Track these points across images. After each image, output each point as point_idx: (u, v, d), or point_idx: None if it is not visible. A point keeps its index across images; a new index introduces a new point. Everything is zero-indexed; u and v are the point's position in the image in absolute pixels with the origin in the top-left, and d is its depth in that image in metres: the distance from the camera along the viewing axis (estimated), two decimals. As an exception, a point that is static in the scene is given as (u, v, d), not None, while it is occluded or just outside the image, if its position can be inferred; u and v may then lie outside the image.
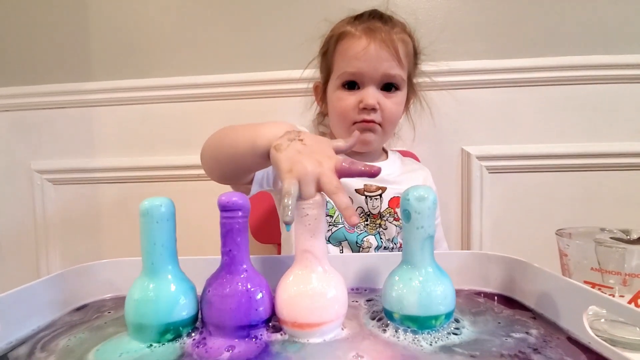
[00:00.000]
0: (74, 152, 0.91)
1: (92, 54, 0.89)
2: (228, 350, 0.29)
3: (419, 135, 0.82)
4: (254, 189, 0.53)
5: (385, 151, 0.71)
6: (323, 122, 0.73)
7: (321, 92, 0.68)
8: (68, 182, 0.92)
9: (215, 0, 0.86)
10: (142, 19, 0.88)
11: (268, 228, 0.78)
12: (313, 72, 0.70)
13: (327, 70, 0.65)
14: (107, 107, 0.90)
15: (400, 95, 0.62)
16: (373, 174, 0.33)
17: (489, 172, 0.84)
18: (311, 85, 0.71)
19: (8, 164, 0.92)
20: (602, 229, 0.38)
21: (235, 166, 0.46)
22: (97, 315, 0.37)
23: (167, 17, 0.88)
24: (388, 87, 0.60)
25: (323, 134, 0.69)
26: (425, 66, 0.70)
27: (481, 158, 0.84)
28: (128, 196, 0.91)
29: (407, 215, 0.33)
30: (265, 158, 0.39)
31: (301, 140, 0.36)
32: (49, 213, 0.92)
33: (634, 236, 0.36)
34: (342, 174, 0.33)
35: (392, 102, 0.60)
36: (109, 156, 0.91)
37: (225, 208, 0.32)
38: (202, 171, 0.88)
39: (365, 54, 0.57)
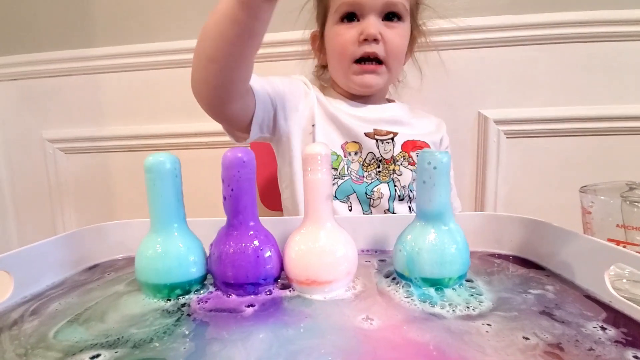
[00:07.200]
0: (82, 120, 0.91)
1: (95, 19, 0.87)
2: (248, 306, 0.29)
3: (434, 98, 0.79)
4: (254, 131, 0.51)
5: (390, 101, 0.67)
6: (322, 76, 0.69)
7: (319, 40, 0.63)
8: (79, 151, 0.92)
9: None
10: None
11: (275, 193, 0.77)
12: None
13: (323, 14, 0.60)
14: (111, 73, 0.88)
15: (404, 27, 0.57)
16: None
17: (507, 137, 0.81)
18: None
19: (21, 132, 0.92)
20: (630, 184, 0.36)
21: (233, 45, 0.41)
22: (99, 277, 0.37)
23: (169, -23, 0.84)
24: (390, 16, 0.55)
25: (323, 87, 0.66)
26: (442, 23, 0.65)
27: (499, 122, 0.80)
28: (138, 165, 0.90)
29: (422, 167, 0.31)
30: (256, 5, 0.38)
31: None
32: (62, 181, 0.93)
33: (665, 191, 0.34)
34: None
35: (395, 34, 0.55)
36: (116, 124, 0.90)
37: (230, 164, 0.31)
38: (210, 139, 0.89)
39: None
